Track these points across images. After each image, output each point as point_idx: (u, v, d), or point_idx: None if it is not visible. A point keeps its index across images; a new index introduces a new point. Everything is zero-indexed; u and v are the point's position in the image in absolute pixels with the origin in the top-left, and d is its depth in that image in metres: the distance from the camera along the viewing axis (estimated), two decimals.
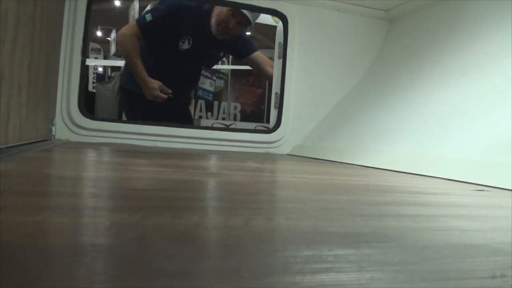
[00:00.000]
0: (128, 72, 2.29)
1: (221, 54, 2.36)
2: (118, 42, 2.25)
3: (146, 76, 2.09)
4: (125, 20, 7.79)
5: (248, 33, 2.48)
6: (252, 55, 2.37)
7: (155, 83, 2.07)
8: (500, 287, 0.29)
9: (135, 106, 2.26)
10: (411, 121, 1.55)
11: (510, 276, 0.30)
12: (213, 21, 2.12)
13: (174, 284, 0.24)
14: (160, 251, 0.31)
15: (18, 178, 0.66)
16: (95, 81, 7.36)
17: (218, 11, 2.12)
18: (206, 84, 2.21)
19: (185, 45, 2.16)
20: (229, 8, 2.09)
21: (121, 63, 7.24)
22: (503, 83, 1.26)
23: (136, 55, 2.12)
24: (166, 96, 2.07)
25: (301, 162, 1.58)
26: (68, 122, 1.82)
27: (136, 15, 7.06)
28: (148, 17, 2.13)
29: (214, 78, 2.23)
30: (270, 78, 2.32)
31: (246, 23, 2.13)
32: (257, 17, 2.22)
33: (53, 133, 1.71)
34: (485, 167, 1.02)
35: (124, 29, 2.22)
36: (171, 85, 2.13)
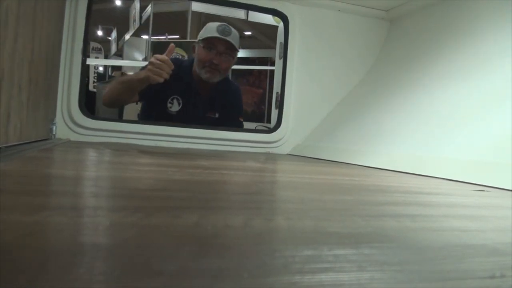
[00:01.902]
0: (142, 113, 2.16)
1: (216, 115, 2.09)
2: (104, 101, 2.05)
3: (134, 74, 1.93)
4: (126, 20, 7.80)
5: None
6: None
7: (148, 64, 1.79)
8: (499, 287, 0.29)
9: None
10: (411, 121, 1.55)
11: (509, 276, 0.30)
12: (197, 68, 1.95)
13: (173, 284, 0.24)
14: (160, 251, 0.31)
15: (18, 177, 0.66)
16: (95, 80, 7.36)
17: (197, 56, 1.96)
18: None
19: (175, 107, 2.00)
20: (202, 46, 1.93)
21: (121, 62, 7.24)
22: (503, 83, 1.26)
23: (117, 82, 1.98)
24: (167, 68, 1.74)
25: (302, 162, 1.58)
26: (68, 122, 1.82)
27: (137, 15, 7.06)
28: None
29: None
30: None
31: (230, 47, 1.96)
32: (236, 37, 1.98)
33: (54, 133, 1.71)
34: (485, 167, 1.02)
35: None
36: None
